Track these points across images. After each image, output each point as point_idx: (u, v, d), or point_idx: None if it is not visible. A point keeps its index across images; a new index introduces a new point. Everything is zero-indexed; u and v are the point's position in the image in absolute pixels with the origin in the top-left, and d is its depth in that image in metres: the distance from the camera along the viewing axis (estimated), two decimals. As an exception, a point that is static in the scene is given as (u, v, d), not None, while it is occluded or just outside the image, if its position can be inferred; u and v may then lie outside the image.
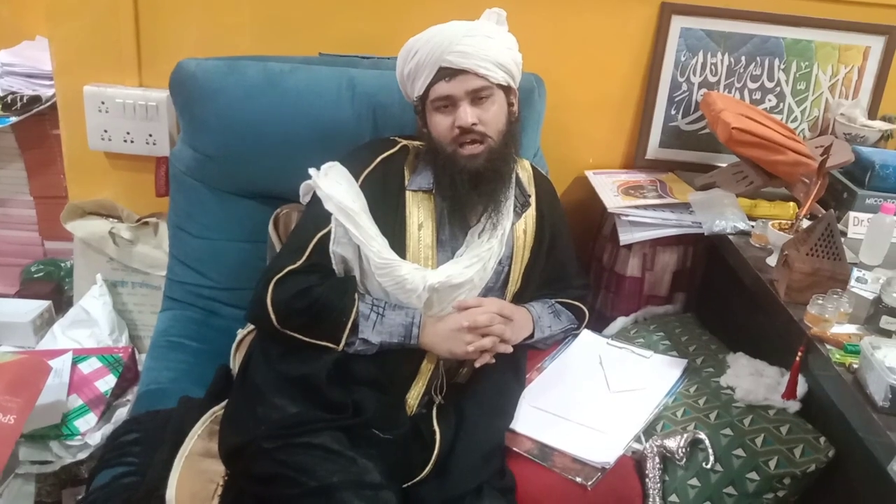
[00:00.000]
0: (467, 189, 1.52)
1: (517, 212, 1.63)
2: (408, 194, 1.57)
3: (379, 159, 1.57)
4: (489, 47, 1.50)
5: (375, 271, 1.49)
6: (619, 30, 2.08)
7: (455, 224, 1.58)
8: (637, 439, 1.52)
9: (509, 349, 1.54)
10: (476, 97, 1.50)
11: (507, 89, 1.56)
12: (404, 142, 1.62)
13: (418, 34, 1.54)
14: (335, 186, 1.51)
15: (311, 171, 1.56)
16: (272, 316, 1.46)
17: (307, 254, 1.50)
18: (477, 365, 1.52)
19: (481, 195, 1.54)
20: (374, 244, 1.49)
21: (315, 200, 1.54)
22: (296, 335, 1.47)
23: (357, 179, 1.54)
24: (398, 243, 1.52)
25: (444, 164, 1.53)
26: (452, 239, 1.58)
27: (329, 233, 1.50)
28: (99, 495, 1.40)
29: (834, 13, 2.08)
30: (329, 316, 1.46)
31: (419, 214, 1.56)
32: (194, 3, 1.99)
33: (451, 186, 1.53)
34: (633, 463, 1.49)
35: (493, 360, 1.53)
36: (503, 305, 1.57)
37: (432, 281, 1.50)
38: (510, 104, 1.58)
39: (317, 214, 1.52)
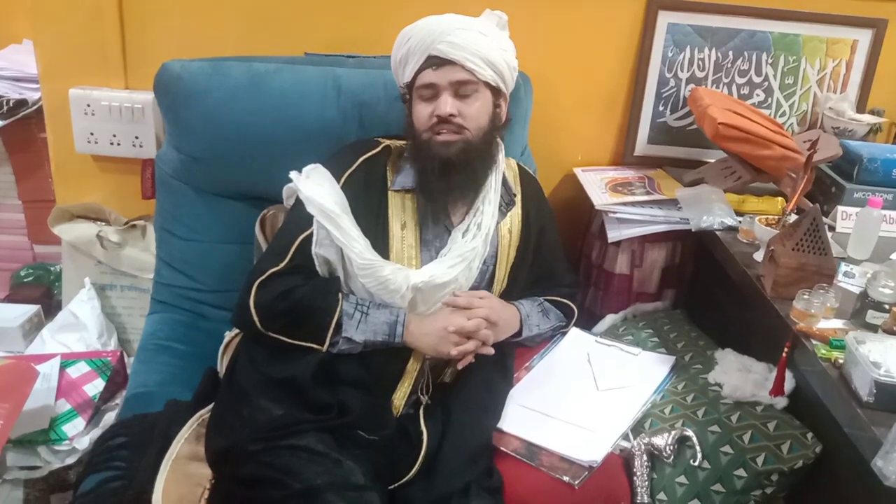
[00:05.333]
0: (437, 178, 1.52)
1: (502, 210, 1.63)
2: (390, 195, 1.57)
3: (361, 160, 1.57)
4: (481, 43, 1.51)
5: (358, 272, 1.48)
6: (605, 26, 2.07)
7: (438, 223, 1.57)
8: (625, 437, 1.52)
9: (491, 352, 1.54)
10: (460, 90, 1.50)
11: (495, 90, 1.56)
12: (387, 142, 1.62)
13: (415, 22, 1.55)
14: (316, 189, 1.51)
15: (293, 174, 1.56)
16: (255, 319, 1.46)
17: (290, 256, 1.49)
18: (460, 367, 1.52)
19: (451, 187, 1.54)
20: (356, 245, 1.48)
21: (298, 203, 1.54)
22: (280, 337, 1.47)
23: (339, 181, 1.54)
24: (381, 244, 1.52)
25: (420, 151, 1.53)
26: (436, 238, 1.57)
27: (311, 235, 1.50)
28: (86, 500, 1.39)
29: (821, 6, 2.08)
30: (312, 316, 1.46)
31: (402, 214, 1.56)
32: (179, 4, 1.98)
33: (422, 175, 1.53)
34: (621, 461, 1.49)
35: (474, 360, 1.53)
36: (490, 312, 1.55)
37: (415, 281, 1.49)
38: (497, 106, 1.57)
39: (299, 217, 1.51)
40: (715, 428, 1.48)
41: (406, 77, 1.56)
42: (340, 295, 1.49)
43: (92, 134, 2.04)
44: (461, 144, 1.51)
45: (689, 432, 1.47)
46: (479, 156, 1.55)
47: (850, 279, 1.56)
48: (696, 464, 1.45)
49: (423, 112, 1.52)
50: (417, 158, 1.55)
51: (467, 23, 1.53)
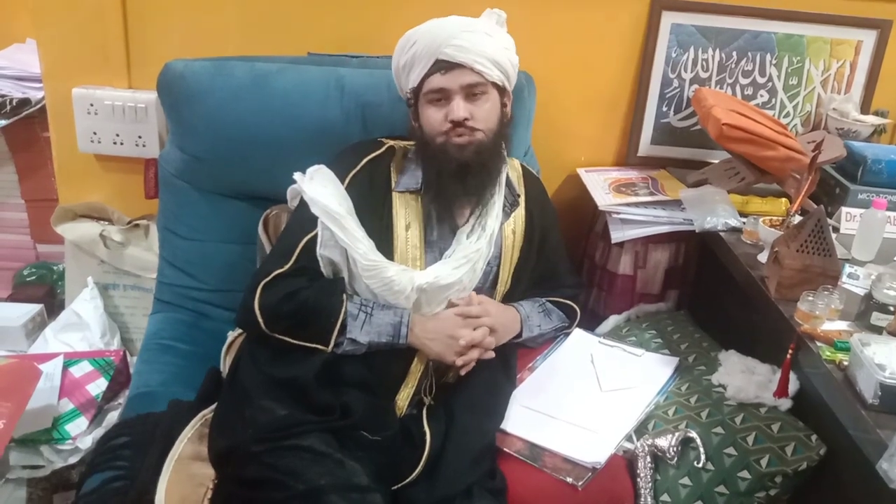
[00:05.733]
0: (453, 181, 1.51)
1: (506, 211, 1.63)
2: (395, 195, 1.56)
3: (365, 161, 1.57)
4: (487, 44, 1.50)
5: (362, 273, 1.48)
6: (609, 26, 2.07)
7: (443, 224, 1.57)
8: (628, 438, 1.51)
9: (492, 355, 1.55)
10: (470, 93, 1.50)
11: (501, 90, 1.56)
12: (391, 143, 1.62)
13: (417, 26, 1.54)
14: (320, 190, 1.50)
15: (297, 175, 1.55)
16: (260, 320, 1.46)
17: (294, 257, 1.49)
18: (462, 373, 1.53)
19: (467, 189, 1.54)
20: (361, 246, 1.48)
21: (302, 204, 1.54)
22: (285, 338, 1.47)
23: (343, 182, 1.53)
24: (385, 245, 1.52)
25: (433, 155, 1.53)
26: (441, 240, 1.57)
27: (316, 236, 1.49)
28: (89, 500, 1.39)
29: (825, 7, 2.07)
30: (317, 317, 1.46)
31: (406, 215, 1.55)
32: (182, 4, 1.98)
33: (438, 178, 1.53)
34: (625, 462, 1.49)
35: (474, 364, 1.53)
36: (495, 321, 1.56)
37: (420, 282, 1.49)
38: (503, 105, 1.57)
39: (303, 218, 1.51)
40: (718, 429, 1.47)
41: (412, 82, 1.54)
42: (345, 296, 1.49)
43: (95, 133, 2.04)
44: (475, 146, 1.51)
45: (693, 434, 1.47)
46: (492, 156, 1.55)
47: (855, 281, 1.55)
48: (700, 465, 1.44)
49: (434, 117, 1.52)
50: (430, 162, 1.54)
51: (472, 24, 1.53)
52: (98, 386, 1.84)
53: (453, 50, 1.48)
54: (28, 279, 2.35)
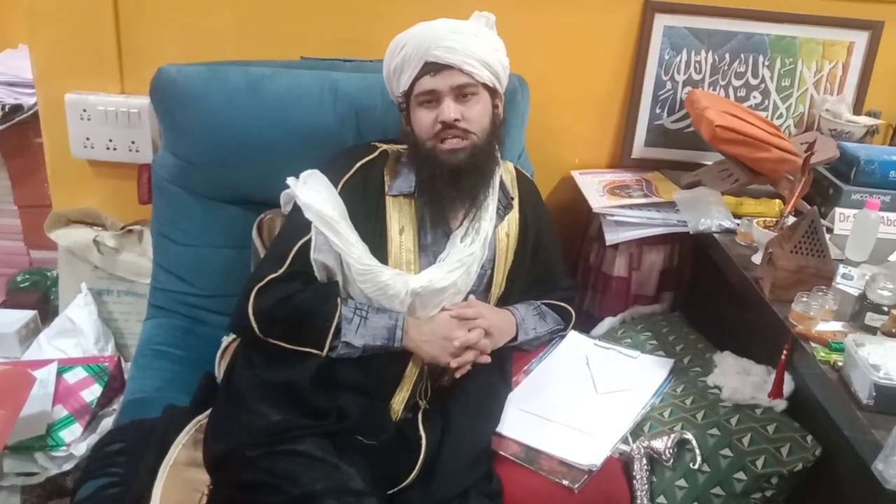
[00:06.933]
0: (447, 184, 1.51)
1: (500, 214, 1.63)
2: (388, 199, 1.56)
3: (358, 165, 1.57)
4: (476, 45, 1.51)
5: (357, 278, 1.48)
6: (602, 28, 2.08)
7: (437, 228, 1.57)
8: (624, 440, 1.51)
9: (488, 360, 1.55)
10: (460, 94, 1.50)
11: (492, 91, 1.56)
12: (384, 147, 1.62)
13: (407, 30, 1.54)
14: (314, 195, 1.50)
15: (290, 180, 1.55)
16: (254, 325, 1.46)
17: (288, 262, 1.49)
18: (457, 376, 1.52)
19: (461, 192, 1.54)
20: (355, 251, 1.48)
21: (296, 209, 1.53)
22: (279, 343, 1.46)
23: (336, 186, 1.53)
24: (379, 249, 1.52)
25: (425, 159, 1.53)
26: (434, 243, 1.57)
27: (310, 241, 1.49)
28: (83, 507, 1.39)
29: (817, 9, 2.08)
30: (312, 322, 1.45)
31: (400, 219, 1.55)
32: (175, 8, 1.98)
33: (431, 182, 1.52)
34: (621, 464, 1.49)
35: (470, 367, 1.53)
36: (490, 324, 1.56)
37: (414, 286, 1.49)
38: (495, 106, 1.58)
39: (297, 222, 1.51)
40: (714, 431, 1.47)
41: (403, 86, 1.55)
42: (339, 300, 1.48)
43: (88, 139, 2.03)
44: (469, 149, 1.51)
45: (689, 435, 1.47)
46: (486, 158, 1.55)
47: (849, 281, 1.55)
48: (696, 467, 1.44)
49: (425, 119, 1.52)
50: (423, 166, 1.54)
51: (460, 26, 1.53)
52: (92, 392, 1.84)
53: (442, 51, 1.48)
54: (21, 285, 2.34)
